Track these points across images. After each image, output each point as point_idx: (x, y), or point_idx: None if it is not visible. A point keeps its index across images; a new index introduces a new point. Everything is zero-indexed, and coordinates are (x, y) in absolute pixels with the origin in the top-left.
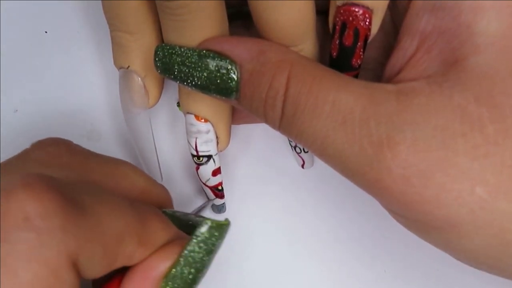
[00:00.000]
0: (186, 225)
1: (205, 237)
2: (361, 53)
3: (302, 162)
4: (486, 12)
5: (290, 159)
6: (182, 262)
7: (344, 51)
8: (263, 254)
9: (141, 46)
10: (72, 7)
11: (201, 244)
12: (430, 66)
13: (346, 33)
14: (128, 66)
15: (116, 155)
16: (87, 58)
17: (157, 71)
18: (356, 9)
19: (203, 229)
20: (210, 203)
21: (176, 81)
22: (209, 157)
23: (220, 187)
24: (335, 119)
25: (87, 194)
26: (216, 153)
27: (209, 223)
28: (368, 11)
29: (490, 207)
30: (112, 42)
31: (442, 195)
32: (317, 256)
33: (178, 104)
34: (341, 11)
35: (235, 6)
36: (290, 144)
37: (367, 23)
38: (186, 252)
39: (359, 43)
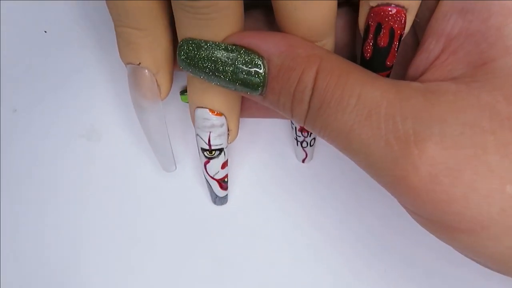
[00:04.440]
0: None
1: None
2: (395, 52)
3: (304, 156)
4: None
5: (293, 153)
6: None
7: (379, 52)
8: (263, 247)
9: (151, 42)
10: (72, 7)
11: None
12: (456, 68)
13: (381, 33)
14: (139, 63)
15: (117, 155)
16: (86, 58)
17: (180, 66)
18: (390, 9)
19: None
20: None
21: (200, 77)
22: (221, 150)
23: (226, 179)
24: (361, 113)
25: None
26: (227, 146)
27: None
28: (403, 10)
29: None
30: (118, 38)
31: (471, 194)
32: (317, 255)
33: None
34: (375, 11)
35: None
36: (296, 139)
37: (402, 22)
38: None
39: (394, 43)
